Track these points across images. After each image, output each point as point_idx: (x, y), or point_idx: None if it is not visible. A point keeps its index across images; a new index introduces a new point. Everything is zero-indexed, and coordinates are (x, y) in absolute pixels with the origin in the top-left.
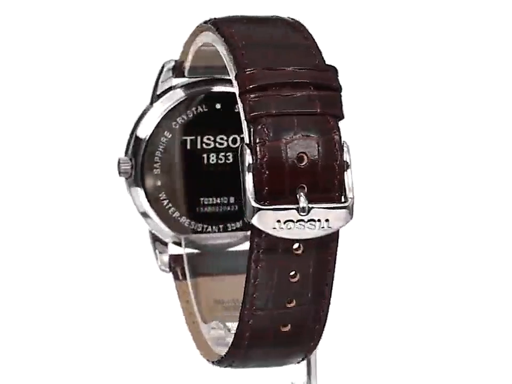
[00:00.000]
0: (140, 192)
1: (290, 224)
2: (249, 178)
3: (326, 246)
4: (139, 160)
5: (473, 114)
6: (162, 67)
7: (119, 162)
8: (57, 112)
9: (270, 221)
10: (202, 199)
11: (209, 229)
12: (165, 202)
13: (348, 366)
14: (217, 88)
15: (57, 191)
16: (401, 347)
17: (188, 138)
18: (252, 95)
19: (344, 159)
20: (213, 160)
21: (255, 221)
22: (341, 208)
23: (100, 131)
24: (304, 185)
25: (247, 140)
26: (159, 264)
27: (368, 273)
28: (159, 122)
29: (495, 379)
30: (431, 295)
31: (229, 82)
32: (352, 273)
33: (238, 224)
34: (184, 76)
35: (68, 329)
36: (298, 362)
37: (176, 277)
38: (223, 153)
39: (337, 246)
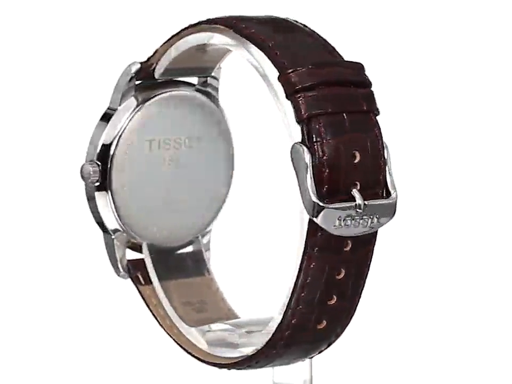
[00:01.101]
0: (107, 197)
1: (348, 221)
2: (308, 177)
3: (369, 242)
4: (106, 165)
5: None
6: (127, 69)
7: (84, 168)
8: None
9: (332, 219)
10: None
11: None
12: None
13: (348, 366)
14: (176, 90)
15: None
16: (402, 347)
17: (151, 140)
18: (301, 95)
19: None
20: (170, 162)
21: (319, 219)
22: (388, 205)
23: (59, 136)
24: (357, 182)
25: (296, 139)
26: (119, 270)
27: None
28: (125, 127)
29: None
30: (431, 296)
31: (183, 83)
32: None
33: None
34: (152, 78)
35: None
36: (303, 360)
37: (138, 282)
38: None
39: (375, 242)
